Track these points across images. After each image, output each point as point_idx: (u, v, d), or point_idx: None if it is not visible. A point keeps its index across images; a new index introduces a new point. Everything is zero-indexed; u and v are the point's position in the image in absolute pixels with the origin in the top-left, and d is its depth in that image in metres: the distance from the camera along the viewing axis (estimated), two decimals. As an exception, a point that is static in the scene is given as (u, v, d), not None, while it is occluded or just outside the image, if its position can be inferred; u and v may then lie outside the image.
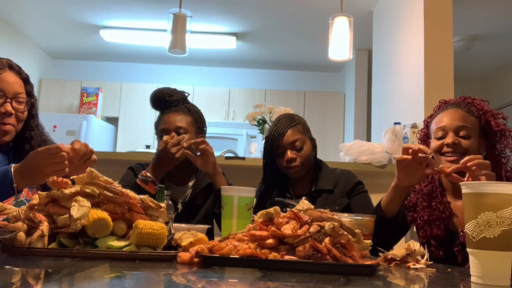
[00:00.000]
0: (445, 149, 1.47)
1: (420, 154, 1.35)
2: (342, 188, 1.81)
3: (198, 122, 1.94)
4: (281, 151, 1.79)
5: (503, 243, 0.84)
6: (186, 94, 1.96)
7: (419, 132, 1.67)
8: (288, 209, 1.04)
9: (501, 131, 1.47)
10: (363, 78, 5.58)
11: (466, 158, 1.31)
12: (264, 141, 1.88)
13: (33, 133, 1.58)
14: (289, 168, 1.79)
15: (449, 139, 1.46)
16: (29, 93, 1.57)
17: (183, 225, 1.43)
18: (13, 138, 1.54)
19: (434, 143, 1.52)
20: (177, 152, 1.76)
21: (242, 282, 0.82)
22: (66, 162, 1.28)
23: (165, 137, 1.78)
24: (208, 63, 6.39)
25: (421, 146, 1.37)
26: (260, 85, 6.41)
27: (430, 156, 1.38)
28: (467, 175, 1.31)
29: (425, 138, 1.62)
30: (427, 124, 1.61)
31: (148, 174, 1.76)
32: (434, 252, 1.44)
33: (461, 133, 1.46)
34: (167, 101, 1.90)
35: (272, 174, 1.86)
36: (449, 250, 1.44)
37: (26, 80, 1.57)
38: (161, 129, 1.87)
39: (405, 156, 1.38)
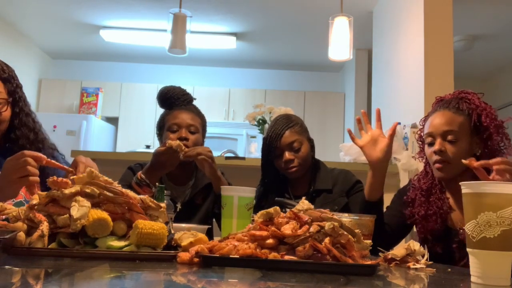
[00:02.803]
0: (434, 157, 1.48)
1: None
2: (341, 188, 1.81)
3: (204, 126, 1.95)
4: (279, 152, 1.78)
5: (503, 243, 0.84)
6: (194, 98, 1.97)
7: (417, 132, 1.67)
8: (288, 209, 1.04)
9: (489, 124, 1.45)
10: (363, 78, 5.58)
11: (498, 159, 1.30)
12: (262, 141, 1.87)
13: (18, 132, 1.53)
14: (287, 169, 1.79)
15: (436, 146, 1.47)
16: (11, 92, 1.51)
17: (183, 225, 1.43)
18: (4, 140, 1.52)
19: (426, 150, 1.55)
20: (172, 158, 1.70)
21: (242, 282, 0.82)
22: (29, 167, 1.21)
23: (170, 142, 1.69)
24: (208, 63, 6.39)
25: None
26: (260, 85, 6.41)
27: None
28: (493, 173, 1.31)
29: (423, 139, 1.62)
30: (423, 124, 1.62)
31: (143, 176, 1.72)
32: (432, 248, 1.44)
33: (449, 138, 1.46)
34: (179, 99, 1.89)
35: (271, 175, 1.86)
36: (447, 246, 1.45)
37: (6, 79, 1.50)
38: (172, 124, 1.85)
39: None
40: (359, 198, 1.79)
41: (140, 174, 1.72)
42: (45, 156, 1.26)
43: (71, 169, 1.30)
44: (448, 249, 1.45)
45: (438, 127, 1.48)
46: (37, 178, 1.23)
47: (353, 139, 1.58)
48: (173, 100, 1.90)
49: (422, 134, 1.62)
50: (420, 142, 1.64)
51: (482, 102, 1.50)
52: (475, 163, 1.32)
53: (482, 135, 1.47)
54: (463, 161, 1.36)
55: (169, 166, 1.73)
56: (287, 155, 1.77)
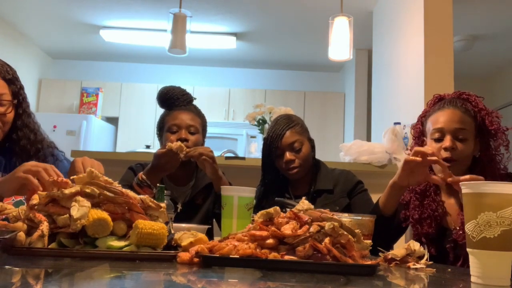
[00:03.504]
0: (443, 152, 1.46)
1: (430, 158, 1.35)
2: (342, 188, 1.81)
3: (204, 126, 1.95)
4: (280, 152, 1.79)
5: (503, 243, 0.84)
6: (194, 98, 1.97)
7: (413, 128, 1.65)
8: (288, 209, 1.04)
9: (495, 130, 1.47)
10: (363, 78, 5.58)
11: (467, 176, 1.30)
12: (262, 142, 1.88)
13: (20, 133, 1.54)
14: (288, 169, 1.79)
15: (447, 142, 1.45)
16: (15, 94, 1.53)
17: (183, 225, 1.43)
18: (4, 140, 1.53)
19: (431, 145, 1.51)
20: (172, 160, 1.71)
21: (242, 282, 0.82)
22: (33, 180, 1.20)
23: (170, 145, 1.71)
24: (208, 63, 6.39)
25: (434, 150, 1.37)
26: (260, 85, 6.41)
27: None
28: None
29: (419, 135, 1.61)
30: (421, 121, 1.60)
31: (144, 177, 1.72)
32: (425, 249, 1.44)
33: (460, 136, 1.46)
34: (178, 99, 1.89)
35: (271, 175, 1.86)
36: (441, 247, 1.45)
37: (10, 80, 1.52)
38: (172, 124, 1.85)
39: (415, 158, 1.37)
40: (362, 200, 1.79)
41: (141, 175, 1.72)
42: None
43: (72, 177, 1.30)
44: (443, 250, 1.45)
45: (449, 124, 1.47)
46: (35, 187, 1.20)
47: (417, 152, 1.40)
48: (172, 100, 1.89)
49: (419, 130, 1.61)
50: (415, 138, 1.63)
51: (485, 106, 1.51)
52: (450, 179, 1.33)
53: (484, 138, 1.48)
54: (434, 177, 1.36)
55: (169, 168, 1.74)
56: (288, 155, 1.77)
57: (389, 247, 1.53)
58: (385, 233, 1.44)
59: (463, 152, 1.44)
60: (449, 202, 1.52)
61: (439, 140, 1.48)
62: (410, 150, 1.64)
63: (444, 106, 1.51)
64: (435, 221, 1.47)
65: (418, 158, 1.37)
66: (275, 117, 1.94)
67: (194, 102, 1.97)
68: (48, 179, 1.16)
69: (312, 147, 1.87)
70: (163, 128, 1.90)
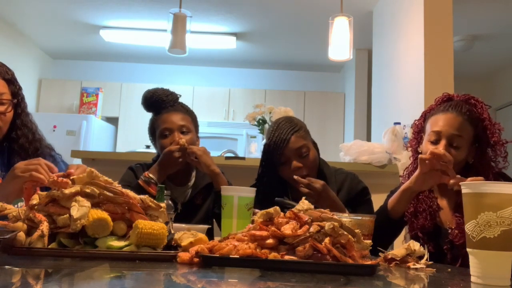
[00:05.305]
0: None
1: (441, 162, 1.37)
2: (346, 196, 1.72)
3: (195, 122, 1.93)
4: (285, 159, 1.66)
5: (503, 243, 0.84)
6: (179, 95, 1.95)
7: (415, 123, 1.65)
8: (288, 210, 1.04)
9: (495, 142, 1.48)
10: (363, 78, 5.58)
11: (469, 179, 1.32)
12: (263, 148, 1.76)
13: (19, 132, 1.57)
14: None
15: (441, 147, 1.45)
16: (14, 93, 1.56)
17: (183, 225, 1.43)
18: (2, 139, 1.55)
19: (426, 146, 1.52)
20: (183, 156, 1.76)
21: (242, 282, 0.82)
22: (34, 173, 1.27)
23: (181, 141, 1.75)
24: (208, 63, 6.39)
25: (447, 154, 1.39)
26: (260, 85, 6.41)
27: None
28: None
29: (419, 131, 1.61)
30: (424, 117, 1.60)
31: (151, 175, 1.74)
32: (423, 246, 1.45)
33: (455, 143, 1.46)
34: (164, 101, 1.87)
35: (271, 182, 1.74)
36: (438, 245, 1.46)
37: (9, 80, 1.55)
38: (163, 128, 1.82)
39: (432, 155, 1.39)
40: (364, 212, 1.75)
41: (147, 173, 1.74)
42: (56, 169, 1.31)
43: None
44: (440, 249, 1.45)
45: (447, 129, 1.47)
46: (36, 181, 1.26)
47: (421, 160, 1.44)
48: (158, 103, 1.87)
49: (420, 125, 1.61)
50: (415, 133, 1.63)
51: (490, 116, 1.52)
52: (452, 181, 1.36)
53: (482, 146, 1.49)
54: (447, 178, 1.38)
55: (180, 163, 1.76)
56: (295, 163, 1.65)
57: (389, 246, 1.54)
58: (387, 234, 1.44)
59: (455, 159, 1.44)
60: (442, 202, 1.54)
61: (434, 142, 1.49)
62: (409, 143, 1.65)
63: (448, 109, 1.51)
64: (430, 215, 1.49)
65: (444, 162, 1.38)
66: (275, 118, 1.90)
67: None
68: (48, 178, 1.18)
69: (317, 150, 1.76)
70: (155, 134, 1.88)
